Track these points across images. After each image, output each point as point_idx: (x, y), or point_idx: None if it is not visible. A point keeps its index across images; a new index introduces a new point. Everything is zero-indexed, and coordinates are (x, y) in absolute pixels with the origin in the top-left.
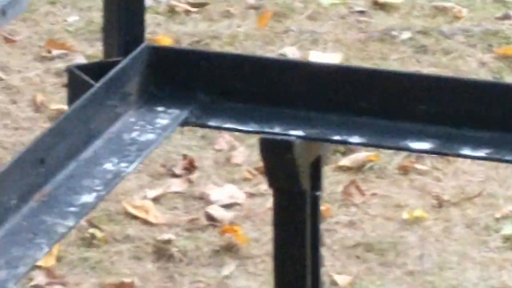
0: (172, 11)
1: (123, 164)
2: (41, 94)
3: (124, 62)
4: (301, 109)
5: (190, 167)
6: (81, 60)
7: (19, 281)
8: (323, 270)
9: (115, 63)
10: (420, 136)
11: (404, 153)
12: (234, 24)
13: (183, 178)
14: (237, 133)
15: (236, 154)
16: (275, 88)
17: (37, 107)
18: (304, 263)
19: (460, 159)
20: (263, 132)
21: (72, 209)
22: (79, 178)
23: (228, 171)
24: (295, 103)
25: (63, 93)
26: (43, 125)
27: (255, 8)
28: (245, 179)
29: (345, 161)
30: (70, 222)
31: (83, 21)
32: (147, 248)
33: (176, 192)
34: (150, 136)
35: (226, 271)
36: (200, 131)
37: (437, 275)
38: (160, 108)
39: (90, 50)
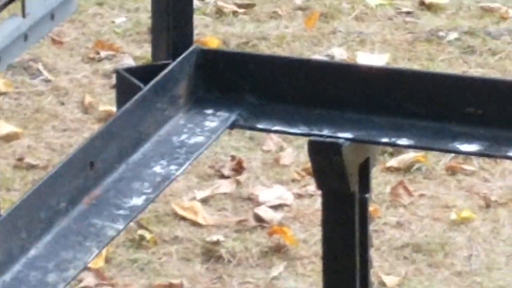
0: (219, 12)
1: (172, 167)
2: (89, 96)
3: (173, 65)
4: (349, 111)
5: (238, 168)
6: (129, 61)
7: (69, 284)
8: (371, 271)
9: (164, 66)
10: (468, 138)
11: (452, 154)
12: (282, 25)
13: (232, 179)
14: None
15: (284, 155)
16: (323, 91)
17: (85, 109)
18: (353, 264)
19: (507, 160)
20: (312, 135)
21: (122, 212)
22: (128, 181)
23: (276, 172)
24: (343, 105)
25: (112, 94)
26: (92, 127)
27: (303, 9)
28: (293, 180)
29: (393, 162)
30: (120, 225)
31: (130, 22)
32: (195, 249)
33: (224, 193)
34: (199, 139)
35: (274, 272)
36: (248, 133)
37: (485, 275)
38: (209, 111)
39: (138, 52)
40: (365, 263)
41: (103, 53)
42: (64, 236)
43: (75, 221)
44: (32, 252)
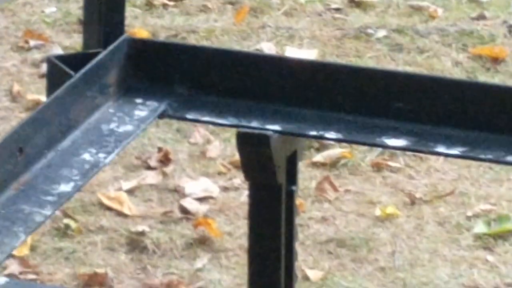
0: (149, 4)
1: (101, 155)
2: (18, 84)
3: (103, 53)
4: (278, 103)
5: (165, 159)
6: (58, 51)
7: None
8: (296, 264)
9: (95, 55)
10: (395, 133)
11: (378, 151)
12: (211, 18)
13: (158, 170)
14: (212, 127)
15: (211, 147)
16: (253, 83)
17: (14, 97)
18: (278, 257)
19: (433, 158)
20: (241, 126)
21: (50, 198)
22: (57, 167)
23: (203, 165)
24: (272, 97)
25: (40, 83)
26: (19, 115)
27: (232, 3)
28: (220, 173)
29: (319, 157)
30: (48, 211)
31: (60, 12)
32: (120, 239)
33: (150, 185)
34: (129, 127)
35: (199, 264)
36: (176, 124)
37: (408, 272)
38: (138, 100)
39: (67, 42)
40: (290, 256)
41: (32, 43)
42: None
43: (3, 206)
44: None
